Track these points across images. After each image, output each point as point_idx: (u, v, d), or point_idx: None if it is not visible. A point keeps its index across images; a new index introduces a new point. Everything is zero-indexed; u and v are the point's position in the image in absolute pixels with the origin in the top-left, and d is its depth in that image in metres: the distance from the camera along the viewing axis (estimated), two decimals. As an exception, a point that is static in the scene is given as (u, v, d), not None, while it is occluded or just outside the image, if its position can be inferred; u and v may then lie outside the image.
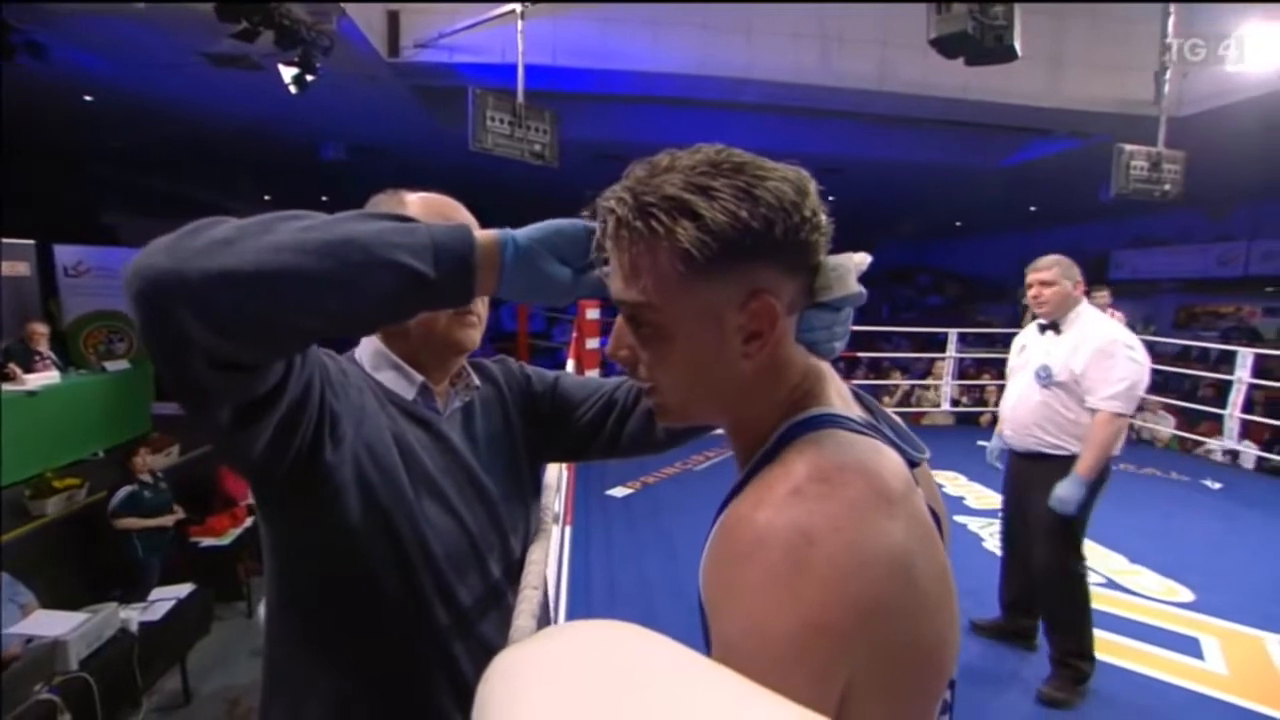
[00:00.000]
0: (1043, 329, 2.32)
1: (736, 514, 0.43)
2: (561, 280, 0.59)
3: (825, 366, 0.53)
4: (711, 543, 0.45)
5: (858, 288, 0.50)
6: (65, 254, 5.95)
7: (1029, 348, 2.38)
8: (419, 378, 0.80)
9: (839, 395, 0.52)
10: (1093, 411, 2.14)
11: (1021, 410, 2.31)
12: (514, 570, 0.84)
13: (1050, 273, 2.24)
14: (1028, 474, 2.31)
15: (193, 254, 0.48)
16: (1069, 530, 2.17)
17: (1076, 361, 2.16)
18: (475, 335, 0.82)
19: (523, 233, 0.58)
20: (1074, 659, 2.18)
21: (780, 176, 0.46)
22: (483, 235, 0.56)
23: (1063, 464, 2.16)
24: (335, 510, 0.69)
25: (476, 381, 0.87)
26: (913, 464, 0.50)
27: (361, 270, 0.50)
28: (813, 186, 0.48)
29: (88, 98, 6.58)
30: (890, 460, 0.46)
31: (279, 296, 0.49)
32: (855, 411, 0.51)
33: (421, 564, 0.74)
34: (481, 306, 0.82)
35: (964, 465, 4.45)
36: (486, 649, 0.78)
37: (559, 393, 0.94)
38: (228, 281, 0.47)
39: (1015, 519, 2.42)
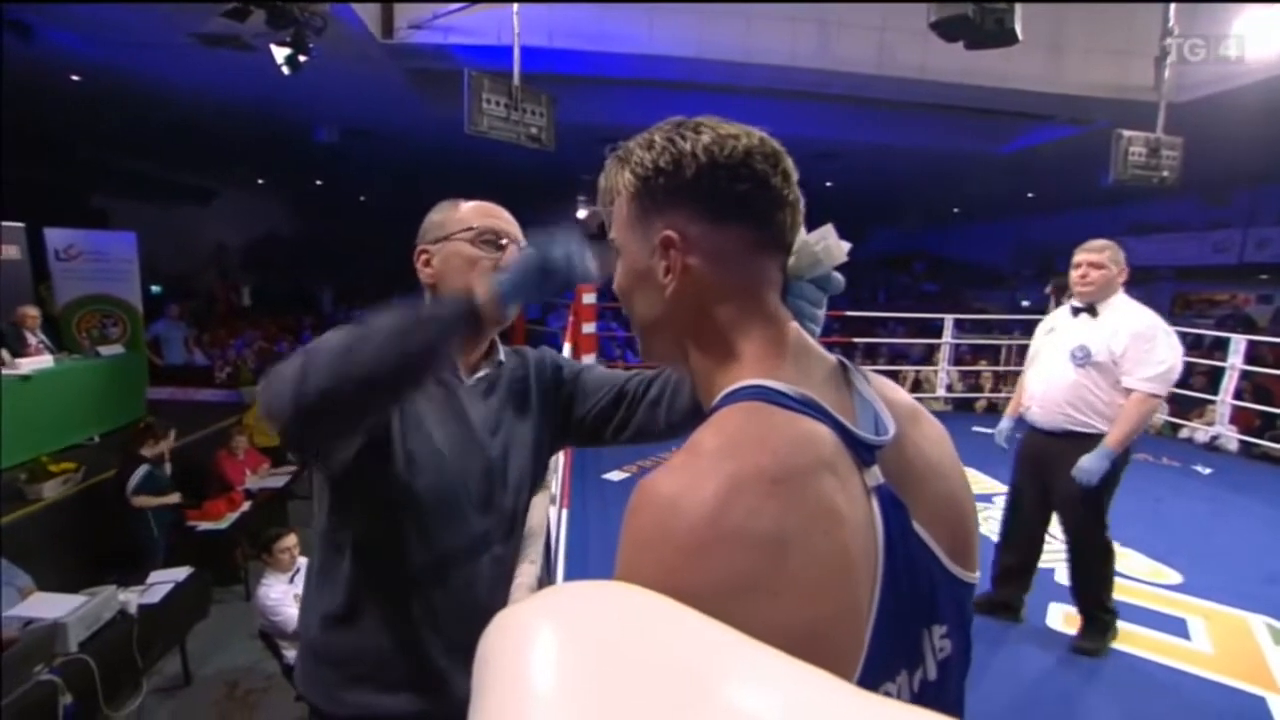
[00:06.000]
0: (1075, 311, 2.35)
1: (645, 477, 0.45)
2: (547, 294, 0.78)
3: (797, 336, 0.53)
4: None
5: (830, 265, 0.55)
6: (56, 237, 5.87)
7: (1058, 330, 2.41)
8: None
9: (796, 367, 0.51)
10: (1127, 392, 2.20)
11: (1054, 389, 2.34)
12: (501, 528, 0.97)
13: (1102, 255, 2.27)
14: (1052, 451, 2.36)
15: (314, 396, 0.72)
16: (1098, 501, 2.28)
17: (1117, 343, 2.21)
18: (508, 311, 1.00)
19: (508, 276, 0.79)
20: (1099, 611, 2.35)
21: (718, 134, 0.51)
22: (481, 292, 0.79)
23: (1090, 442, 2.24)
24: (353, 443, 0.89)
25: (501, 358, 1.04)
26: (866, 446, 0.47)
27: (420, 364, 0.76)
28: (750, 144, 0.51)
29: (75, 78, 6.48)
30: (803, 439, 0.45)
31: (373, 399, 0.76)
32: (801, 386, 0.48)
33: (405, 497, 0.90)
34: None
35: (958, 451, 4.48)
36: (464, 594, 0.93)
37: (579, 382, 1.08)
38: (340, 407, 0.74)
39: (1026, 494, 2.48)
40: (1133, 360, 2.18)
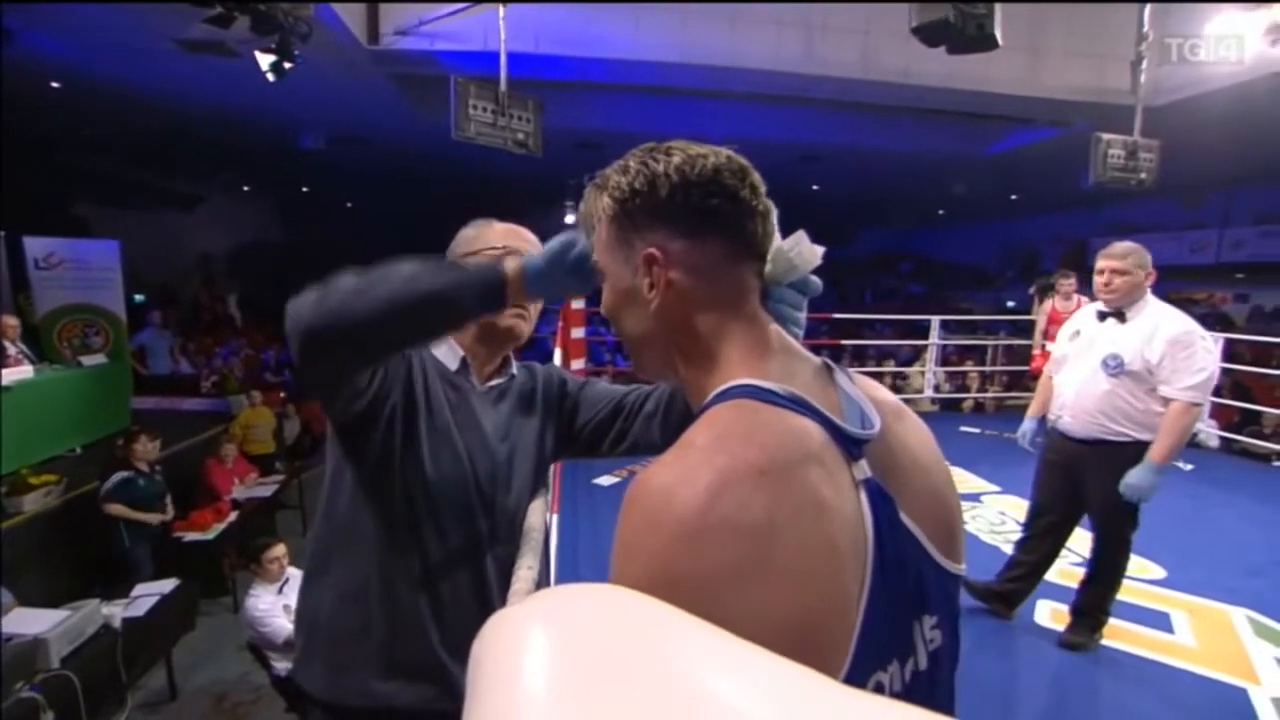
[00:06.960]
0: (1102, 316, 2.30)
1: (639, 473, 0.46)
2: (574, 284, 0.77)
3: (780, 338, 0.56)
4: None
5: (806, 269, 0.56)
6: (35, 246, 5.76)
7: (1084, 334, 2.36)
8: (460, 353, 1.04)
9: (782, 367, 0.52)
10: (1164, 400, 2.13)
11: (1086, 398, 2.27)
12: (503, 530, 1.01)
13: (1125, 262, 2.21)
14: (1085, 459, 2.30)
15: (330, 313, 0.77)
16: (1131, 507, 2.24)
17: (1152, 351, 2.13)
18: (525, 327, 1.05)
19: (539, 257, 0.77)
20: (1098, 611, 2.35)
21: (688, 155, 0.54)
22: (510, 266, 0.79)
23: (1125, 449, 2.18)
24: (371, 434, 0.94)
25: (514, 371, 1.11)
26: (853, 440, 0.49)
27: (435, 313, 0.80)
28: (718, 162, 0.54)
29: (55, 84, 6.39)
30: (791, 433, 0.46)
31: (385, 333, 0.80)
32: (788, 384, 0.50)
33: (420, 491, 0.94)
34: (533, 307, 1.06)
35: (945, 452, 4.52)
36: (467, 592, 0.97)
37: (582, 395, 1.13)
38: (354, 330, 0.77)
39: (1053, 500, 2.43)
40: (1170, 369, 2.10)
